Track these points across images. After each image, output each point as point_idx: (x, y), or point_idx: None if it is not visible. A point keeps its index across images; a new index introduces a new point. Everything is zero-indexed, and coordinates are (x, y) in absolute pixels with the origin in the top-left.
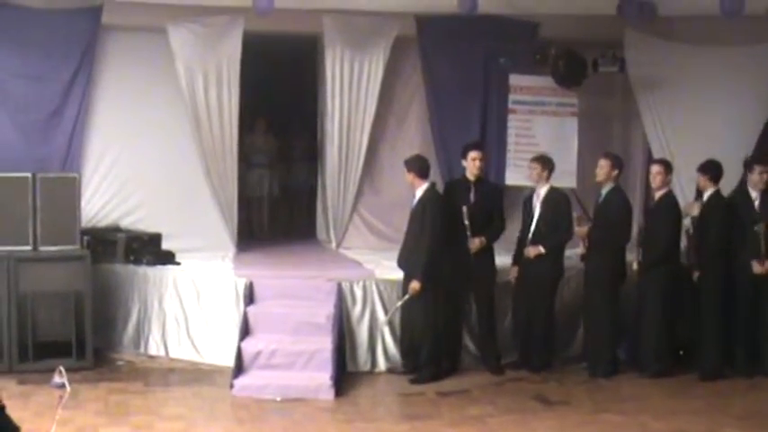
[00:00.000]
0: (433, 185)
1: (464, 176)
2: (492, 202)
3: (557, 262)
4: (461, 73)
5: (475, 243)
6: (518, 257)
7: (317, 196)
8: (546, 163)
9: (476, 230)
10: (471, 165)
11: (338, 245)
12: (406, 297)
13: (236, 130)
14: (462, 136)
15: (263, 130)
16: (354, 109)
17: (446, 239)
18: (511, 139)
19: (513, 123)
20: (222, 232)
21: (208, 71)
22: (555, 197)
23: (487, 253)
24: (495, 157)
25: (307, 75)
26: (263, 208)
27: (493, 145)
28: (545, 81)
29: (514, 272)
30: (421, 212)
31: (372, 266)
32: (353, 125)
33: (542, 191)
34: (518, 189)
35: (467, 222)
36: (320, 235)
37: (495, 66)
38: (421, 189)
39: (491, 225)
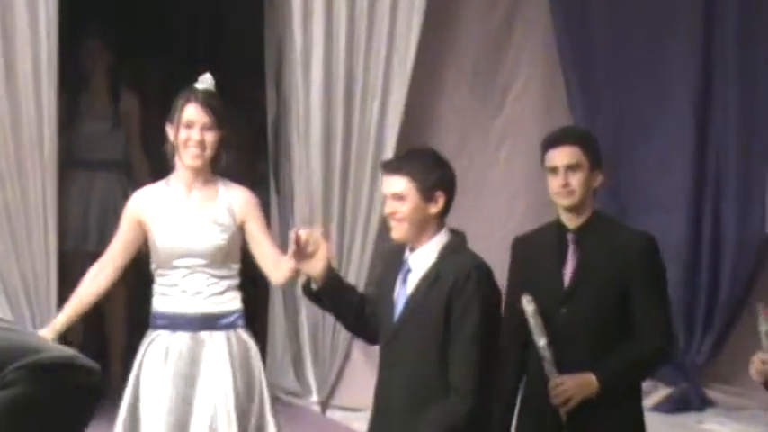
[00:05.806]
0: (459, 235)
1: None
2: (611, 277)
3: None
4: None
5: (563, 388)
6: None
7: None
8: None
9: (570, 356)
10: (552, 184)
11: (325, 402)
12: None
13: (55, 94)
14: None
15: (107, 85)
16: (362, 86)
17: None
18: None
19: None
20: None
21: None
22: None
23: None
24: (734, 162)
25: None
26: (119, 296)
27: (725, 137)
28: None
29: None
30: (442, 304)
31: None
32: (356, 123)
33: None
34: None
35: (541, 341)
36: (279, 378)
37: None
38: (436, 243)
39: (618, 342)
